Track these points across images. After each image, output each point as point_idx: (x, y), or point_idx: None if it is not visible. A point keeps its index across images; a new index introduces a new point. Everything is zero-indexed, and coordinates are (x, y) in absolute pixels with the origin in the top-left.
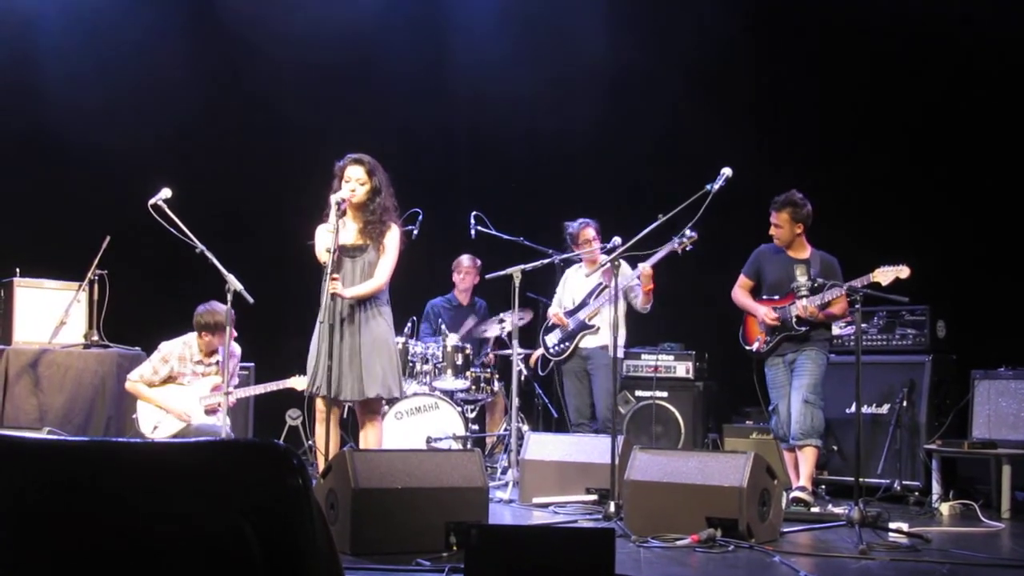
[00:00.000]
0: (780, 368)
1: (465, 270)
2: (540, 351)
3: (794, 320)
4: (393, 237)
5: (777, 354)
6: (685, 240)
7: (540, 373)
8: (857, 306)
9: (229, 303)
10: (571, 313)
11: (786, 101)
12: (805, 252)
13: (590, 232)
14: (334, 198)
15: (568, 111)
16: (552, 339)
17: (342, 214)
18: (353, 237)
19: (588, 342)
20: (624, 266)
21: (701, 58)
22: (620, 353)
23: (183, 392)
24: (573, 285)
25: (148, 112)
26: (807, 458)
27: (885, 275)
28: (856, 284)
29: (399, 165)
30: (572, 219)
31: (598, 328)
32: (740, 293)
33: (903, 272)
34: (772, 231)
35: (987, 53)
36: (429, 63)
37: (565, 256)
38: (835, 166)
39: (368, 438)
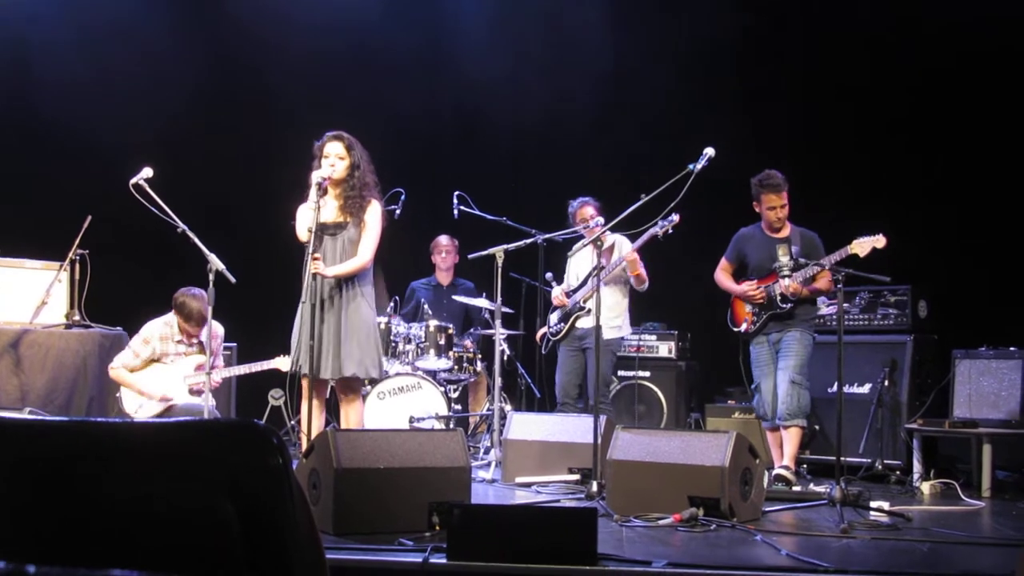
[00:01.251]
0: (764, 347)
1: (444, 248)
2: (544, 329)
3: (779, 298)
4: (374, 213)
5: (763, 333)
6: (667, 224)
7: (543, 351)
8: (840, 286)
9: (211, 283)
10: (572, 293)
11: (769, 81)
12: (786, 230)
13: (588, 211)
14: (315, 176)
15: (555, 93)
16: (554, 318)
17: (323, 192)
18: (333, 214)
19: (584, 323)
20: (625, 244)
21: (687, 41)
22: (624, 333)
23: (167, 372)
24: (577, 264)
25: (131, 91)
26: (792, 438)
27: (862, 246)
28: (835, 257)
29: (384, 146)
30: (556, 199)
31: (590, 310)
32: (722, 276)
33: (879, 242)
34: (779, 212)
35: (970, 35)
36: (417, 46)
37: (548, 236)
38: (818, 146)
39: (349, 417)
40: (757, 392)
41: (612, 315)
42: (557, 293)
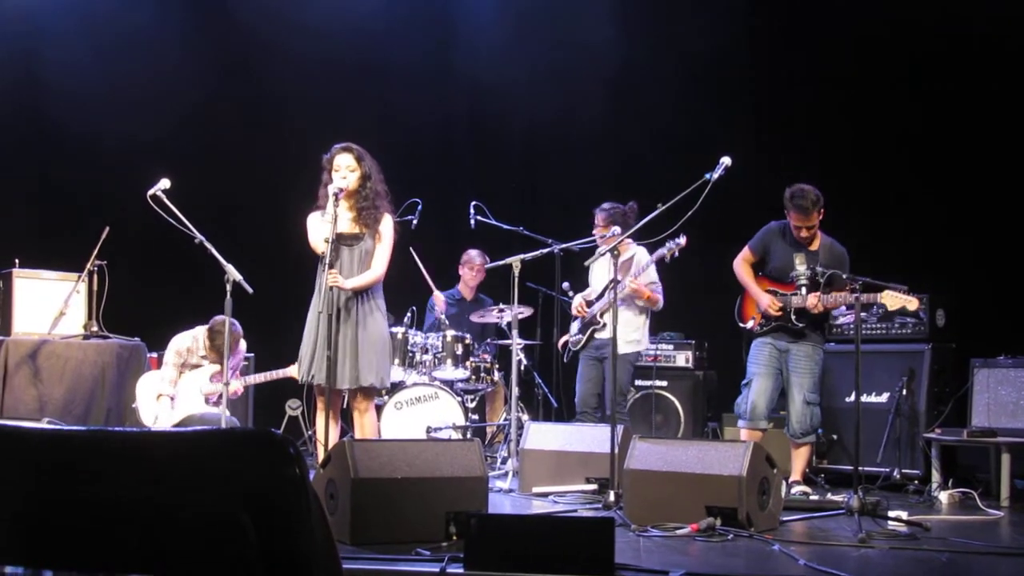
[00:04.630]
0: (770, 349)
1: (478, 268)
2: (567, 337)
3: (793, 313)
4: (388, 225)
5: (772, 336)
6: (674, 246)
7: (564, 360)
8: (857, 295)
9: (228, 293)
10: (593, 302)
11: (787, 90)
12: (816, 243)
13: (598, 220)
14: (331, 189)
15: (568, 100)
16: (574, 327)
17: (338, 204)
18: (348, 225)
19: (602, 334)
20: (642, 254)
21: (702, 48)
22: (642, 348)
23: (186, 381)
24: (596, 273)
25: (147, 102)
26: (804, 454)
27: (893, 301)
28: (862, 298)
29: (398, 156)
30: (571, 207)
31: (604, 324)
32: (743, 268)
33: (912, 304)
34: (803, 233)
35: (989, 52)
36: (429, 54)
37: (564, 246)
38: (834, 154)
39: (364, 427)
40: (746, 387)
41: (629, 329)
42: (578, 302)
